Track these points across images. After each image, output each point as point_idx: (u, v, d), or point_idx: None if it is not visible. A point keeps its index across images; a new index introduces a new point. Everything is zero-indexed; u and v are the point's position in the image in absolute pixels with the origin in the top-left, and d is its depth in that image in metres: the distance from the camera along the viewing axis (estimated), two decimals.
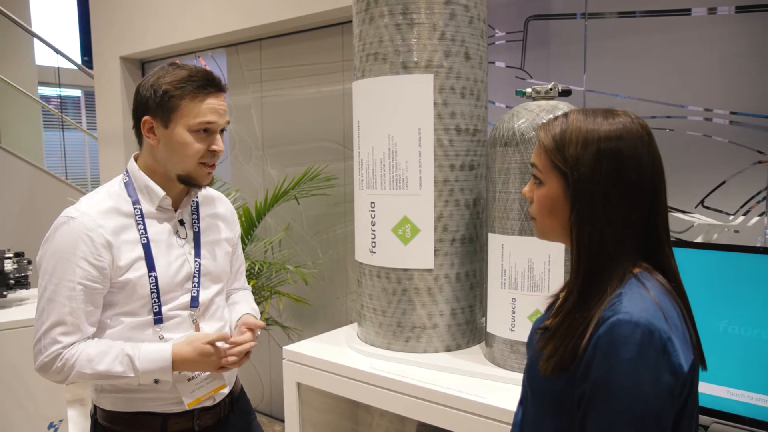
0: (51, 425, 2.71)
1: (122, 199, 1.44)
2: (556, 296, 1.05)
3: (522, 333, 1.58)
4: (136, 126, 1.46)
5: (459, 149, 1.73)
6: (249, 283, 2.53)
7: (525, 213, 1.54)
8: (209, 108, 1.42)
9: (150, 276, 1.42)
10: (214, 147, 1.44)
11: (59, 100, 6.96)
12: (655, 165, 0.94)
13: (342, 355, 1.83)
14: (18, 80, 5.80)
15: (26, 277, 2.85)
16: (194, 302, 1.50)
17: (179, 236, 1.50)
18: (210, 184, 1.51)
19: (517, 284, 1.57)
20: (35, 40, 6.08)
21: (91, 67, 4.90)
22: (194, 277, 1.50)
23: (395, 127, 1.72)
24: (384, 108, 1.74)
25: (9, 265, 2.78)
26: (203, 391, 1.49)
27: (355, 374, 1.72)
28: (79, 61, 6.28)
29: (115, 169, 4.06)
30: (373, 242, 1.80)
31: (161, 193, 1.46)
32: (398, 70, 1.71)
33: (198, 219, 1.55)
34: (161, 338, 1.44)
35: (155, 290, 1.43)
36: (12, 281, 2.78)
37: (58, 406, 2.73)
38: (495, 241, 1.62)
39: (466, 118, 1.74)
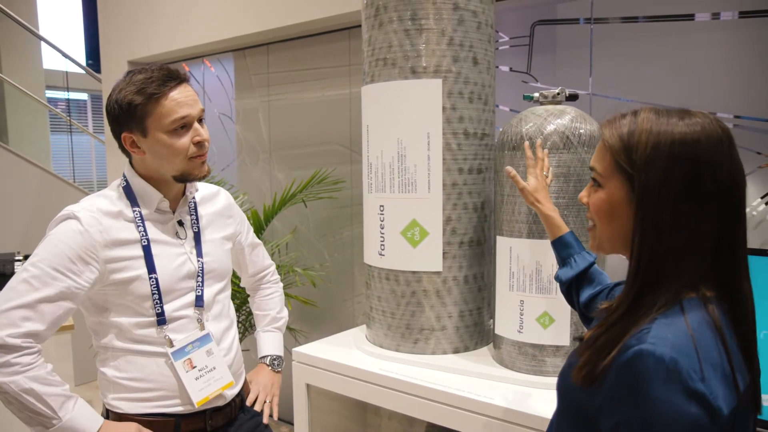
0: None
1: (122, 203, 1.45)
2: (610, 304, 0.98)
3: (529, 335, 1.59)
4: (120, 144, 1.46)
5: (467, 153, 1.75)
6: None
7: (533, 216, 1.56)
8: (176, 103, 1.39)
9: (150, 278, 1.42)
10: (197, 138, 1.43)
11: (66, 104, 7.01)
12: (734, 174, 0.85)
13: (351, 356, 1.85)
14: (26, 84, 5.84)
15: None
16: (199, 301, 1.50)
17: (179, 237, 1.51)
18: (207, 174, 1.50)
19: (525, 287, 1.59)
20: (42, 43, 6.12)
21: (96, 71, 4.93)
22: (198, 276, 1.51)
23: (404, 131, 1.75)
24: (393, 112, 1.76)
25: (18, 268, 2.81)
26: (211, 389, 1.50)
27: (364, 376, 1.74)
28: (84, 64, 6.32)
29: (121, 172, 4.08)
30: (382, 245, 1.82)
31: (157, 196, 1.47)
32: (407, 75, 1.73)
33: (197, 219, 1.56)
34: (167, 338, 1.45)
35: (156, 291, 1.43)
36: None
37: None
38: (503, 244, 1.64)
39: (474, 122, 1.76)
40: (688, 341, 0.79)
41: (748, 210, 1.91)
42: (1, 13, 5.34)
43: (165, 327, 1.45)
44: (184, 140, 1.41)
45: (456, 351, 1.81)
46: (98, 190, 1.52)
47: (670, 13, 2.04)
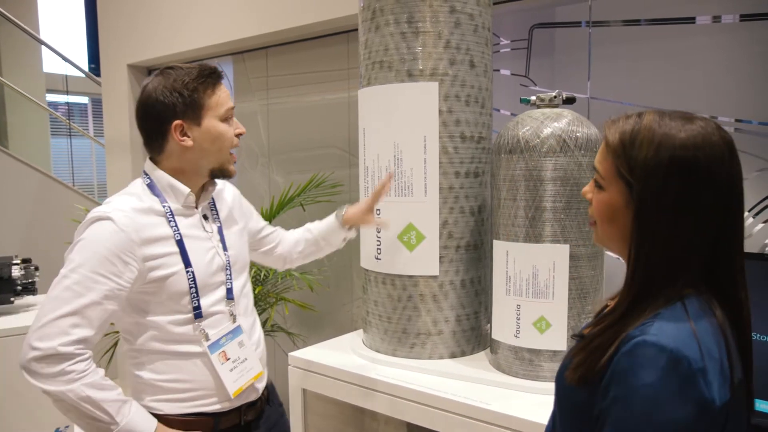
0: (57, 431, 2.72)
1: (150, 198, 1.46)
2: (605, 305, 0.99)
3: (526, 340, 1.58)
4: (158, 136, 1.45)
5: (464, 156, 1.74)
6: (255, 290, 2.52)
7: (530, 220, 1.55)
8: (226, 95, 1.50)
9: (188, 272, 1.44)
10: (238, 130, 1.53)
11: (67, 107, 7.01)
12: (733, 184, 0.85)
13: (347, 361, 1.84)
14: (26, 87, 5.85)
15: (33, 283, 2.86)
16: (230, 294, 1.54)
17: (206, 230, 1.54)
18: (234, 174, 1.58)
19: (521, 291, 1.58)
20: (43, 47, 6.13)
21: (98, 75, 4.93)
22: (227, 269, 1.54)
23: (400, 134, 1.74)
24: (389, 115, 1.75)
25: (16, 271, 2.80)
26: (245, 380, 1.54)
27: (361, 380, 1.72)
28: (86, 68, 6.33)
29: (122, 175, 4.08)
30: (378, 249, 1.81)
31: (186, 190, 1.48)
32: (403, 78, 1.72)
33: (217, 213, 1.61)
34: (202, 332, 1.46)
35: (193, 285, 1.45)
36: (19, 287, 2.80)
37: None
38: (500, 248, 1.63)
39: (470, 125, 1.75)
40: (690, 334, 0.79)
41: (751, 215, 1.90)
42: (1, 17, 5.35)
43: (201, 322, 1.47)
44: (232, 131, 1.51)
45: (453, 356, 1.79)
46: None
47: (670, 16, 2.03)
